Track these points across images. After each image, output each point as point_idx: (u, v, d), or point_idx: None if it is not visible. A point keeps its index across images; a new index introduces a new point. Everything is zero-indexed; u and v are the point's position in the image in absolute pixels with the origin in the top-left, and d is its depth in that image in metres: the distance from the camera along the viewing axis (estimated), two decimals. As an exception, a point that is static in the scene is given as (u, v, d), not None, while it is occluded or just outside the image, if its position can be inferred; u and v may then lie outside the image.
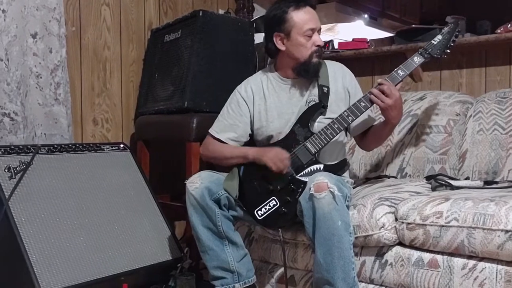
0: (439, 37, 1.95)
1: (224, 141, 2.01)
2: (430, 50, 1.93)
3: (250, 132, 2.04)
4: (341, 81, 2.03)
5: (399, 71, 1.89)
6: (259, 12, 3.40)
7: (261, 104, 2.01)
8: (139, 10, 2.95)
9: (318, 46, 1.92)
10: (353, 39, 2.88)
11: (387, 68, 2.82)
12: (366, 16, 4.62)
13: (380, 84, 1.85)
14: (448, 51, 1.95)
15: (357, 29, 3.47)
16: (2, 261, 1.88)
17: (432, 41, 1.94)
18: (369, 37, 2.92)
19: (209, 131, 2.06)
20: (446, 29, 1.97)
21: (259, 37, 2.91)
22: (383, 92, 1.82)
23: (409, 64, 1.91)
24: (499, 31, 2.37)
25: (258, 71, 2.20)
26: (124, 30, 2.89)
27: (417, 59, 1.92)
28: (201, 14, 2.53)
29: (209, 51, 2.54)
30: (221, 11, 3.23)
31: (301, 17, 1.90)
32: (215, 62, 2.56)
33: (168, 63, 2.69)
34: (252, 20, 3.02)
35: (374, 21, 4.75)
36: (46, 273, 1.82)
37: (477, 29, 3.12)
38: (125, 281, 1.98)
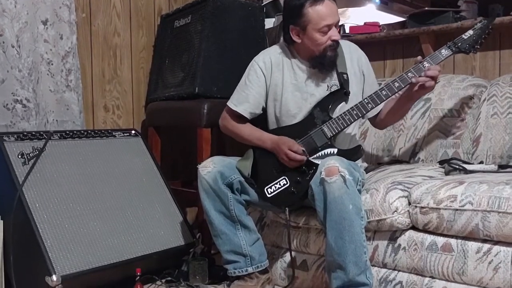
0: (470, 32, 1.88)
1: (241, 113, 2.00)
2: (459, 44, 1.87)
3: (264, 105, 2.03)
4: (356, 63, 2.02)
5: (425, 62, 1.83)
6: (268, -3, 3.37)
7: (278, 77, 1.99)
8: (149, -4, 2.94)
9: (333, 40, 1.89)
10: (365, 23, 2.85)
11: (399, 52, 2.80)
12: (377, 0, 4.56)
13: (428, 69, 1.81)
14: (478, 47, 1.88)
15: (368, 14, 3.43)
16: (17, 246, 1.90)
17: (463, 36, 1.88)
18: (380, 22, 2.88)
19: (228, 103, 2.04)
20: (478, 24, 1.91)
21: (269, 22, 2.89)
22: (431, 77, 1.80)
23: (436, 57, 1.85)
24: (514, 13, 2.33)
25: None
26: (134, 16, 2.88)
27: (444, 52, 1.86)
28: (211, -2, 2.51)
29: (219, 36, 2.53)
30: (230, -4, 3.20)
31: (318, 12, 1.84)
32: (225, 47, 2.54)
33: (178, 49, 2.69)
34: (262, 5, 2.99)
35: (385, 6, 4.69)
36: (61, 258, 1.85)
37: (489, 13, 3.07)
38: (138, 265, 1.99)
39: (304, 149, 1.85)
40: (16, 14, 2.27)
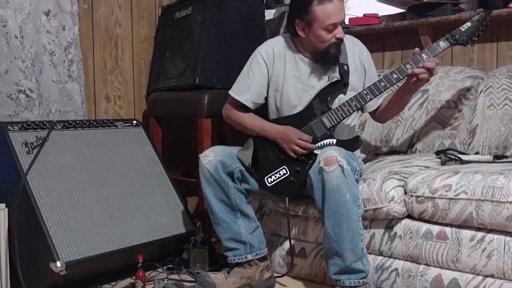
0: (468, 24, 1.91)
1: (243, 102, 2.02)
2: (457, 36, 1.89)
3: (266, 95, 2.05)
4: (358, 56, 2.04)
5: (423, 54, 1.85)
6: (268, -12, 3.38)
7: (280, 68, 2.02)
8: (150, -13, 2.96)
9: (338, 38, 1.91)
10: (364, 15, 2.87)
11: (398, 43, 2.82)
12: (377, -9, 4.55)
13: (428, 61, 1.83)
14: (476, 39, 1.90)
15: (368, 5, 3.44)
16: (21, 233, 1.94)
17: (461, 28, 1.90)
18: (380, 13, 2.90)
19: (230, 92, 2.06)
20: (476, 16, 1.93)
21: (269, 14, 2.91)
22: (427, 69, 1.82)
23: (434, 48, 1.87)
24: (511, 5, 2.34)
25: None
26: (135, 7, 2.90)
27: (442, 44, 1.88)
28: (212, -10, 2.53)
29: (219, 27, 2.55)
30: (231, -13, 3.21)
31: (325, 11, 1.85)
32: (225, 38, 2.56)
33: (179, 40, 2.71)
34: (262, -4, 3.01)
35: (385, -3, 4.68)
36: (65, 244, 1.89)
37: (489, 5, 3.09)
38: (140, 253, 2.03)
39: (311, 137, 1.88)
40: (19, 5, 2.29)
